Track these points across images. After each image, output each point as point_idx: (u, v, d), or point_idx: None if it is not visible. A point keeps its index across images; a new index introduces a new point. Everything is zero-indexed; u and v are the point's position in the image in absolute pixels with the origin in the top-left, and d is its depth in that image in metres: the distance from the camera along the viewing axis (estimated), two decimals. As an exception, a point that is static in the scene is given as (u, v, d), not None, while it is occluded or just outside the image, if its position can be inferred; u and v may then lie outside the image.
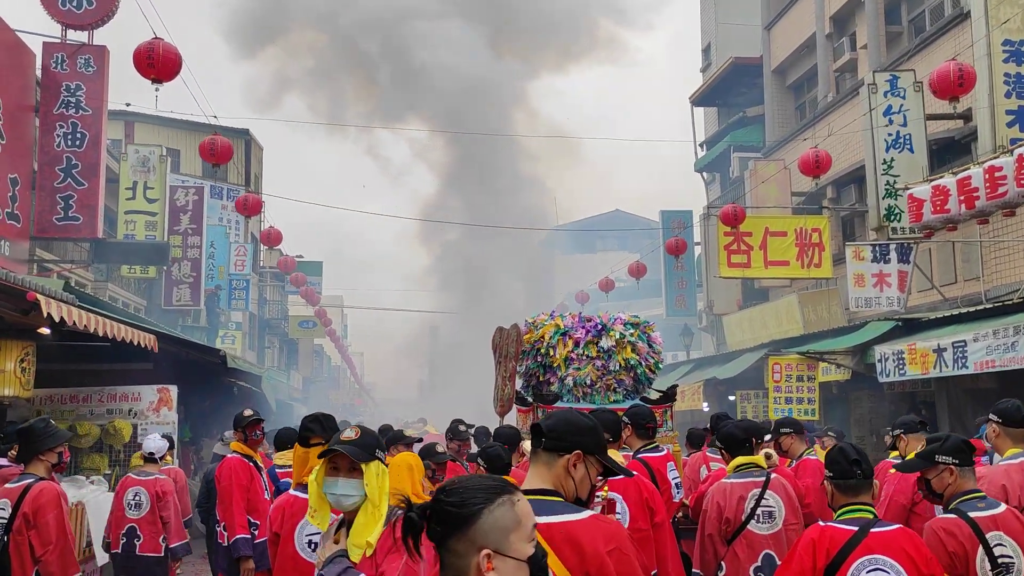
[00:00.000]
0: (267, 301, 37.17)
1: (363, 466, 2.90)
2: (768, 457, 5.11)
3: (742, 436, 4.56)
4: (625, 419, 5.37)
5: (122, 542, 6.36)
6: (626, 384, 7.31)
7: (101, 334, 8.00)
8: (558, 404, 7.14)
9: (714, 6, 26.22)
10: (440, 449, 6.07)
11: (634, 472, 4.32)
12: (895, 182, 13.43)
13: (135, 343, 9.05)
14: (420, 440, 7.31)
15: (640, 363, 7.25)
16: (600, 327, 7.25)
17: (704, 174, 25.07)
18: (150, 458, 6.78)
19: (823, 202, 17.22)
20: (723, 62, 23.49)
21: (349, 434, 2.99)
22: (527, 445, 5.89)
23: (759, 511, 4.29)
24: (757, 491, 4.33)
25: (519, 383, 7.52)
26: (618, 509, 4.13)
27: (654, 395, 7.42)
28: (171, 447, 8.78)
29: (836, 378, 13.71)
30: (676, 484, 5.18)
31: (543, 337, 7.29)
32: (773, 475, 4.44)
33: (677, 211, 24.18)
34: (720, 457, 6.51)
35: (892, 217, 13.34)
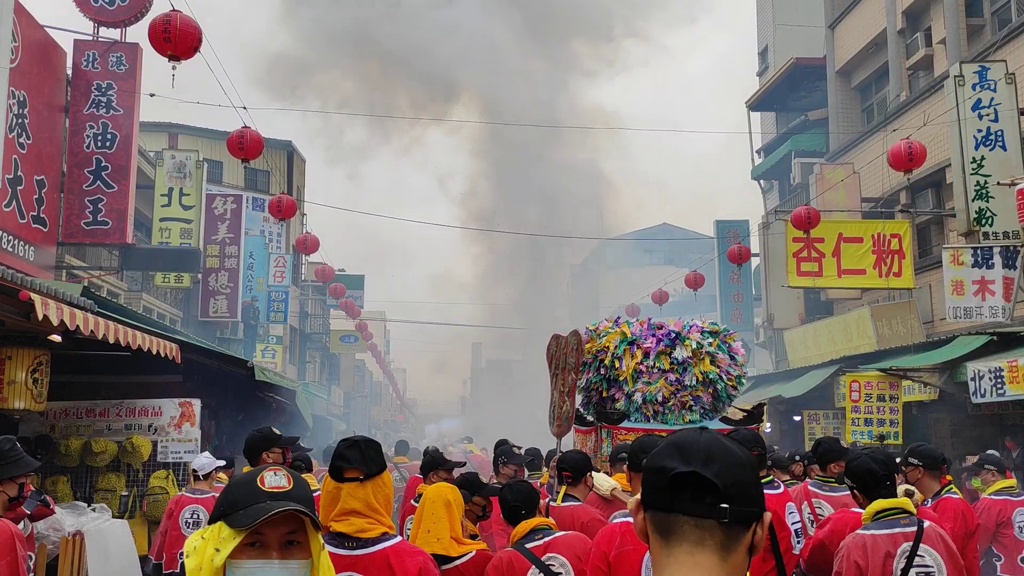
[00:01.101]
0: (308, 315, 36.67)
1: (309, 535, 1.70)
2: (910, 495, 4.04)
3: (882, 472, 3.50)
4: None
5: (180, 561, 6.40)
6: (703, 401, 6.29)
7: (112, 341, 7.22)
8: (625, 424, 6.14)
9: (771, 7, 25.10)
10: (493, 480, 5.10)
11: None
12: (986, 182, 12.19)
13: (155, 352, 8.28)
14: (463, 464, 6.33)
15: (720, 377, 6.23)
16: (674, 336, 6.24)
17: (761, 182, 23.86)
18: (196, 476, 6.86)
19: (897, 208, 15.95)
20: (781, 64, 22.33)
21: (276, 481, 1.70)
22: (600, 479, 4.88)
23: (913, 572, 3.24)
24: (908, 545, 3.28)
25: (578, 399, 6.53)
26: None
27: (736, 414, 6.39)
28: (228, 466, 8.08)
29: (920, 398, 12.45)
30: (796, 531, 4.13)
31: (607, 347, 6.30)
32: (927, 524, 3.38)
33: (733, 221, 23.00)
34: (823, 493, 5.43)
35: (983, 220, 12.08)
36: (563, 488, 4.60)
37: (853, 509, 4.31)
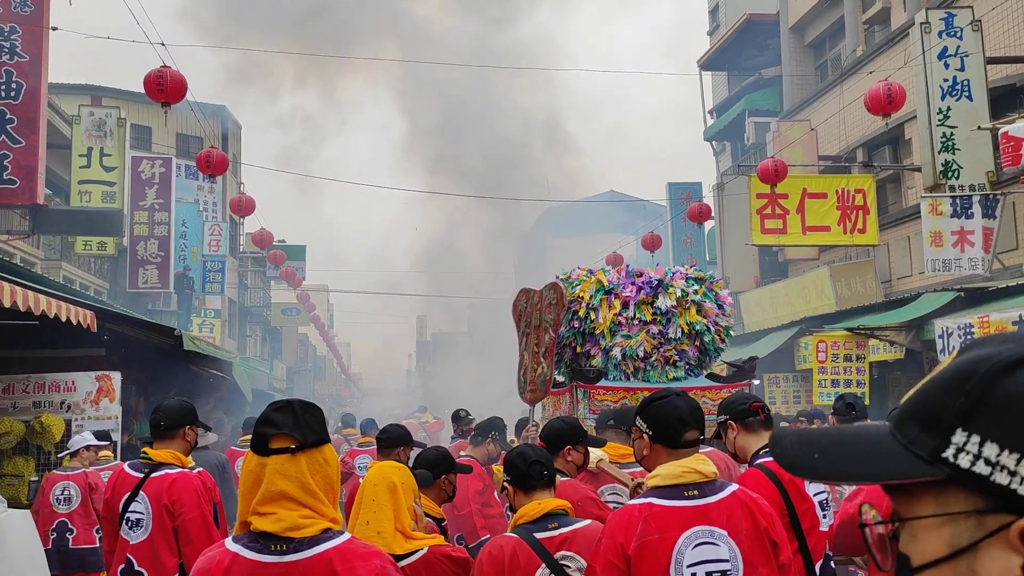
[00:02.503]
0: (248, 287, 35.32)
1: None
2: None
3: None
4: (722, 414, 3.66)
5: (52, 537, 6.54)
6: (689, 356, 5.63)
7: (9, 304, 6.25)
8: (602, 383, 5.45)
9: (721, -35, 24.51)
10: (464, 453, 4.35)
11: (735, 485, 2.67)
12: (952, 134, 11.81)
13: (64, 319, 7.30)
14: (424, 445, 5.54)
15: (708, 328, 5.57)
16: (656, 283, 5.56)
17: (714, 143, 23.41)
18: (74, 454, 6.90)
19: (856, 164, 15.59)
20: (733, 22, 21.80)
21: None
22: (598, 455, 4.11)
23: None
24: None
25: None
26: (722, 554, 2.47)
27: (724, 370, 5.76)
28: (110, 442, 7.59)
29: (886, 357, 12.11)
30: (821, 503, 3.49)
31: (581, 297, 5.59)
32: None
33: (686, 183, 22.53)
34: None
35: (950, 174, 11.71)
36: None
37: None
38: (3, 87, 11.36)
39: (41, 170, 11.45)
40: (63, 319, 7.24)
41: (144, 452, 4.10)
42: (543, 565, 2.75)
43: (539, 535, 2.81)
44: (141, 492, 3.93)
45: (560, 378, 5.99)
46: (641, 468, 4.43)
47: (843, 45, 18.24)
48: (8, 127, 11.30)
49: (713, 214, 19.78)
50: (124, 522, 3.91)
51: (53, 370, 8.62)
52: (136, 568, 3.90)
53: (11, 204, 11.41)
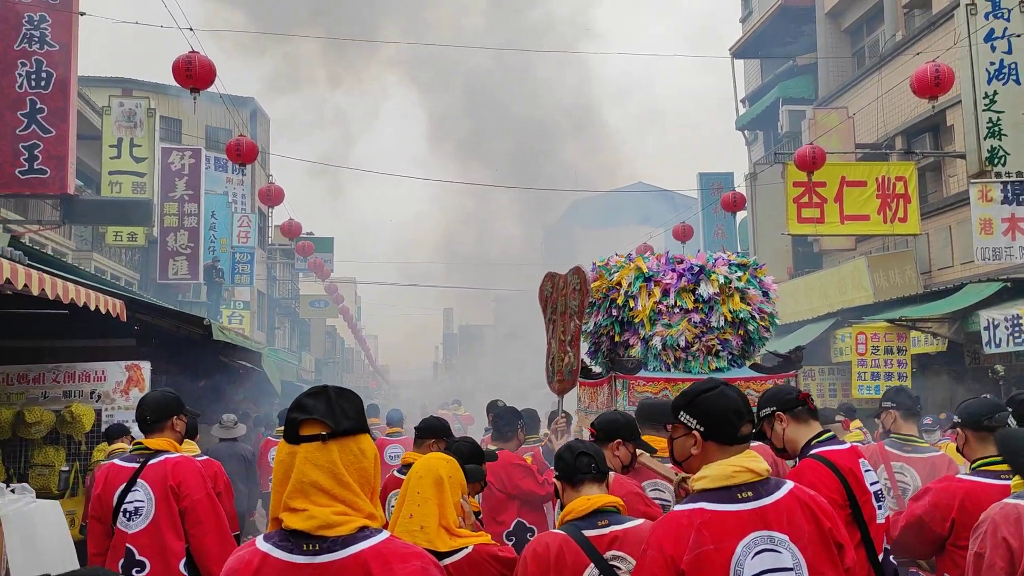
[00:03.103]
0: (276, 280, 35.46)
1: None
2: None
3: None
4: (767, 406, 3.42)
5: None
6: (732, 346, 5.41)
7: (37, 292, 6.18)
8: (642, 374, 5.25)
9: (754, -50, 24.02)
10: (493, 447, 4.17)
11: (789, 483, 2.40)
12: (999, 119, 11.42)
13: (93, 308, 7.23)
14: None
15: (753, 316, 5.35)
16: (698, 270, 5.34)
17: (746, 132, 22.99)
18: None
19: (896, 152, 15.18)
20: (767, 9, 21.35)
21: None
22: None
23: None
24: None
25: (584, 347, 5.62)
26: (785, 562, 2.22)
27: (769, 360, 5.53)
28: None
29: (927, 350, 11.76)
30: (876, 494, 3.26)
31: (620, 284, 5.38)
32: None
33: (717, 174, 22.16)
34: (904, 455, 4.58)
35: (995, 160, 11.32)
36: None
37: (961, 475, 3.46)
38: (33, 77, 11.35)
39: (71, 160, 11.44)
40: (92, 308, 7.18)
41: (137, 443, 4.04)
42: (591, 565, 2.57)
43: (588, 532, 2.62)
44: (139, 480, 3.85)
45: (597, 368, 5.79)
46: None
47: (881, 30, 17.78)
48: (39, 116, 11.30)
49: (746, 204, 19.44)
50: (120, 515, 3.81)
51: (83, 360, 8.58)
52: (137, 558, 3.80)
53: (42, 194, 11.41)
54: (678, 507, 2.34)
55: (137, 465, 3.91)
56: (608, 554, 2.57)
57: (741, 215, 22.53)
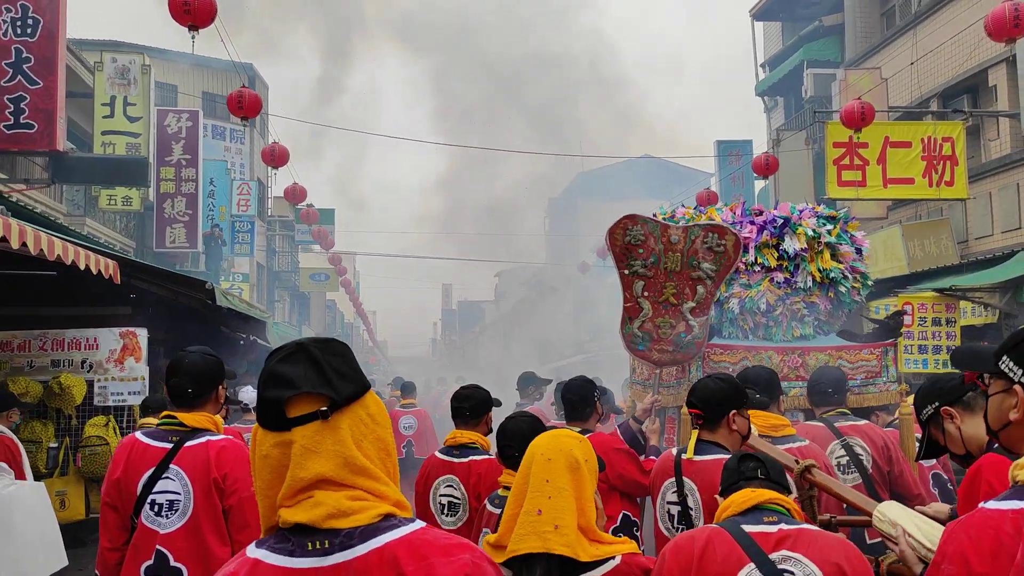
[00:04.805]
0: (276, 252, 34.67)
1: None
2: None
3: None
4: (928, 402, 2.62)
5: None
6: (819, 310, 4.69)
7: (17, 245, 5.44)
8: (716, 340, 4.54)
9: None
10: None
11: None
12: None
13: (83, 267, 6.50)
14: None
15: (846, 276, 4.63)
16: (781, 223, 4.61)
17: (765, 99, 22.14)
18: (246, 408, 6.43)
19: (926, 114, 14.39)
20: (789, -31, 20.43)
21: None
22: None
23: None
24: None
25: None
26: None
27: (864, 326, 4.82)
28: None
29: (974, 321, 11.08)
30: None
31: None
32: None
33: (735, 141, 21.35)
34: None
35: (1054, 119, 10.56)
36: (694, 433, 3.00)
37: None
38: (19, 24, 10.52)
39: (61, 114, 10.64)
40: (81, 267, 6.45)
41: (168, 416, 3.13)
42: (752, 564, 1.90)
43: (749, 528, 1.96)
44: (173, 466, 2.98)
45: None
46: (800, 444, 3.54)
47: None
48: (24, 67, 10.48)
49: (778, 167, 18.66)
50: (147, 507, 3.01)
51: (75, 327, 7.88)
52: (172, 564, 2.93)
53: (29, 150, 10.62)
54: (992, 505, 1.62)
55: (170, 445, 3.03)
56: (776, 555, 1.90)
57: (759, 185, 21.77)
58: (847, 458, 3.82)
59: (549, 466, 1.98)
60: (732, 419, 2.91)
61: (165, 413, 3.15)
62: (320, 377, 1.41)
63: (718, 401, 2.92)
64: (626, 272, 4.15)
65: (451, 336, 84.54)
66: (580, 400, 3.73)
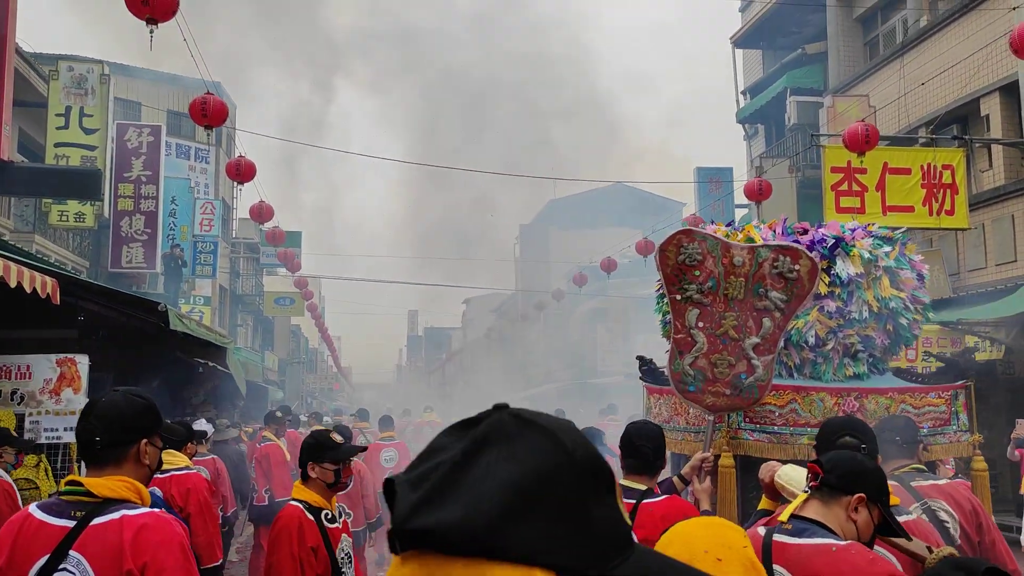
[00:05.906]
0: (240, 274, 33.60)
1: None
2: None
3: None
4: None
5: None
6: (874, 345, 4.04)
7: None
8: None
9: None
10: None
11: None
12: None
13: (14, 284, 5.67)
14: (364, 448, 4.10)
15: (908, 307, 3.99)
16: (833, 243, 3.97)
17: (746, 126, 21.83)
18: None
19: (921, 138, 14.06)
20: (770, -3, 20.21)
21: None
22: (789, 471, 2.57)
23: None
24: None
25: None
26: None
27: (919, 365, 4.18)
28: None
29: (981, 357, 10.61)
30: None
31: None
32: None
33: (715, 168, 20.99)
34: None
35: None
36: (800, 498, 2.27)
37: None
38: (-38, 22, 9.69)
39: (6, 119, 9.78)
40: (12, 284, 5.62)
41: (72, 482, 2.26)
42: None
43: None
44: (73, 553, 2.13)
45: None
46: (907, 518, 2.83)
47: (898, 18, 16.73)
48: (-33, 69, 9.63)
49: (747, 200, 18.27)
50: None
51: (10, 353, 7.01)
52: None
53: (-31, 159, 9.72)
54: None
55: (72, 523, 2.18)
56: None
57: (740, 213, 21.41)
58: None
59: (720, 568, 1.29)
60: (856, 503, 2.20)
61: (70, 478, 2.31)
62: None
63: (852, 477, 2.19)
64: (678, 298, 3.44)
65: (416, 363, 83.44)
66: (655, 451, 3.01)
